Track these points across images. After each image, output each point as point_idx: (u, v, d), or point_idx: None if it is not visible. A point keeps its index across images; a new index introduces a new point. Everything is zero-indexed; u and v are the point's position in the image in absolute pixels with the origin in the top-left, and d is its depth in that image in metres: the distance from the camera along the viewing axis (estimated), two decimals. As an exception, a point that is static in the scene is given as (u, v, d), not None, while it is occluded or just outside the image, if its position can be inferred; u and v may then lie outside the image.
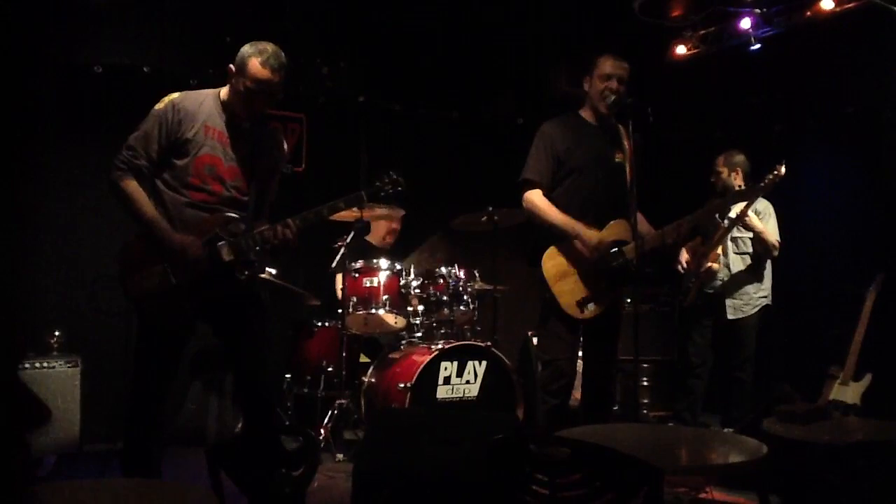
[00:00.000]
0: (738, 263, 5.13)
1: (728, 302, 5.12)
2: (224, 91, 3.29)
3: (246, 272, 3.28)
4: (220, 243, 3.19)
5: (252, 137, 3.32)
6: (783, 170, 4.57)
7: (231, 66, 3.20)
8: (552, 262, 3.85)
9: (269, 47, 3.18)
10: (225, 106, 3.27)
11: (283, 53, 3.22)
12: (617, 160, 3.94)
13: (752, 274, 5.12)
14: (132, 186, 3.15)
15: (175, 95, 3.24)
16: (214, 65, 4.43)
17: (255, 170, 3.32)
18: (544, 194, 3.90)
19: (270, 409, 3.47)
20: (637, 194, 3.68)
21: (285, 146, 3.50)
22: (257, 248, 3.26)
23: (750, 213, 4.89)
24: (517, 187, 3.98)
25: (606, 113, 3.92)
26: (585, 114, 4.02)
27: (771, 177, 4.61)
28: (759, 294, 5.12)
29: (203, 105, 3.24)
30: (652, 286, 5.78)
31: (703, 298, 5.18)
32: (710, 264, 5.03)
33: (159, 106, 3.20)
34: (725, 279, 5.13)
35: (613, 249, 3.81)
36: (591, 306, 3.81)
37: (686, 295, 5.19)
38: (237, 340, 3.33)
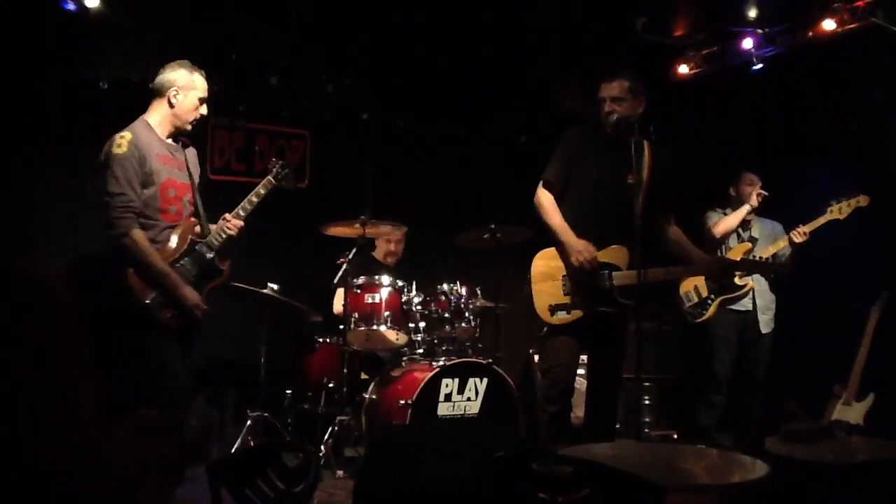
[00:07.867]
0: (761, 280, 5.27)
1: (760, 318, 5.24)
2: (153, 115, 3.53)
3: (224, 266, 3.68)
4: (197, 246, 3.53)
5: (181, 150, 3.65)
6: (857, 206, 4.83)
7: (172, 88, 3.46)
8: (543, 261, 3.93)
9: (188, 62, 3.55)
10: (159, 130, 3.52)
11: None
12: (628, 181, 3.78)
13: (772, 291, 5.29)
14: (140, 236, 3.33)
15: (128, 135, 3.41)
16: (219, 82, 4.46)
17: (191, 177, 3.65)
18: (555, 196, 3.94)
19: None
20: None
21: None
22: (218, 243, 3.64)
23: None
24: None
25: (612, 133, 3.90)
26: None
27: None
28: (774, 309, 5.29)
29: (147, 135, 3.47)
30: (654, 305, 5.76)
31: (726, 314, 5.23)
32: (746, 280, 5.17)
33: (122, 150, 3.35)
34: (753, 296, 5.24)
35: (604, 271, 3.78)
36: (561, 314, 3.83)
37: (701, 313, 5.21)
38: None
